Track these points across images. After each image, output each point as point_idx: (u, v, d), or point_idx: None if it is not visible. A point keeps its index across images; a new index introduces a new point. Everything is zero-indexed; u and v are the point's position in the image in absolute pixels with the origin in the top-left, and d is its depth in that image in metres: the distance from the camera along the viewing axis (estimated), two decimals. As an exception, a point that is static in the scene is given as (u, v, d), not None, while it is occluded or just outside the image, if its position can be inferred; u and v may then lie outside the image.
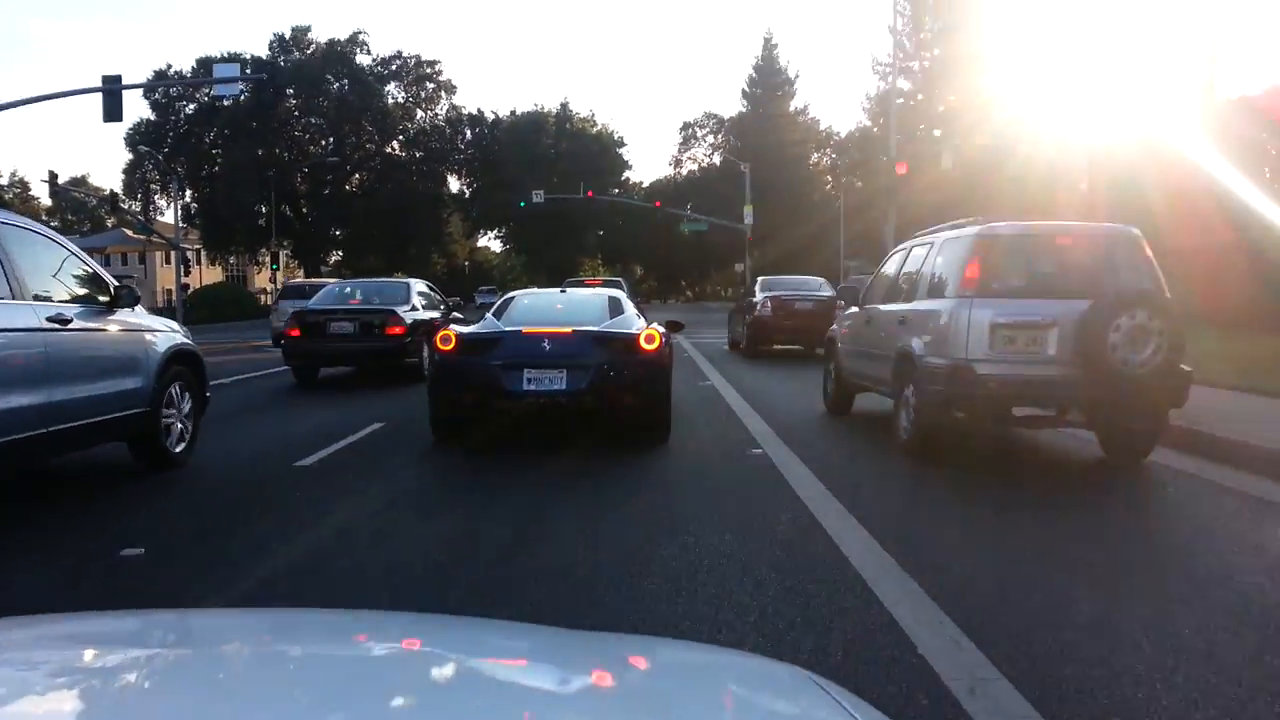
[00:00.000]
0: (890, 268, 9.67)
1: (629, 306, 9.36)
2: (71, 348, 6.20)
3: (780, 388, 13.21)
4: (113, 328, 6.80)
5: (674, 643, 2.30)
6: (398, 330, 13.69)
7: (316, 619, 1.87)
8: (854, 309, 10.21)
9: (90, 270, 6.95)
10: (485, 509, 6.02)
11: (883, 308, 9.16)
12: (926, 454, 7.58)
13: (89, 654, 1.37)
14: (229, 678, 1.29)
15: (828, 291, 18.60)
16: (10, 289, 5.74)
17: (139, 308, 7.31)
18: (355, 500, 6.31)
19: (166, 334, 7.54)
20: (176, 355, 7.49)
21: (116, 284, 7.05)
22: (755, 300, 19.14)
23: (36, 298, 6.00)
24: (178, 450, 7.47)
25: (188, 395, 7.70)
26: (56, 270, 6.48)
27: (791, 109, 77.07)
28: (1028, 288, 7.51)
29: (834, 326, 10.98)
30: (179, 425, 7.50)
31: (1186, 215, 24.93)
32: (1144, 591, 4.33)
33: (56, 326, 6.02)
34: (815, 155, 79.00)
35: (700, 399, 11.54)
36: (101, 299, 6.80)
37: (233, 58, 51.38)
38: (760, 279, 21.29)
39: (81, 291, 6.69)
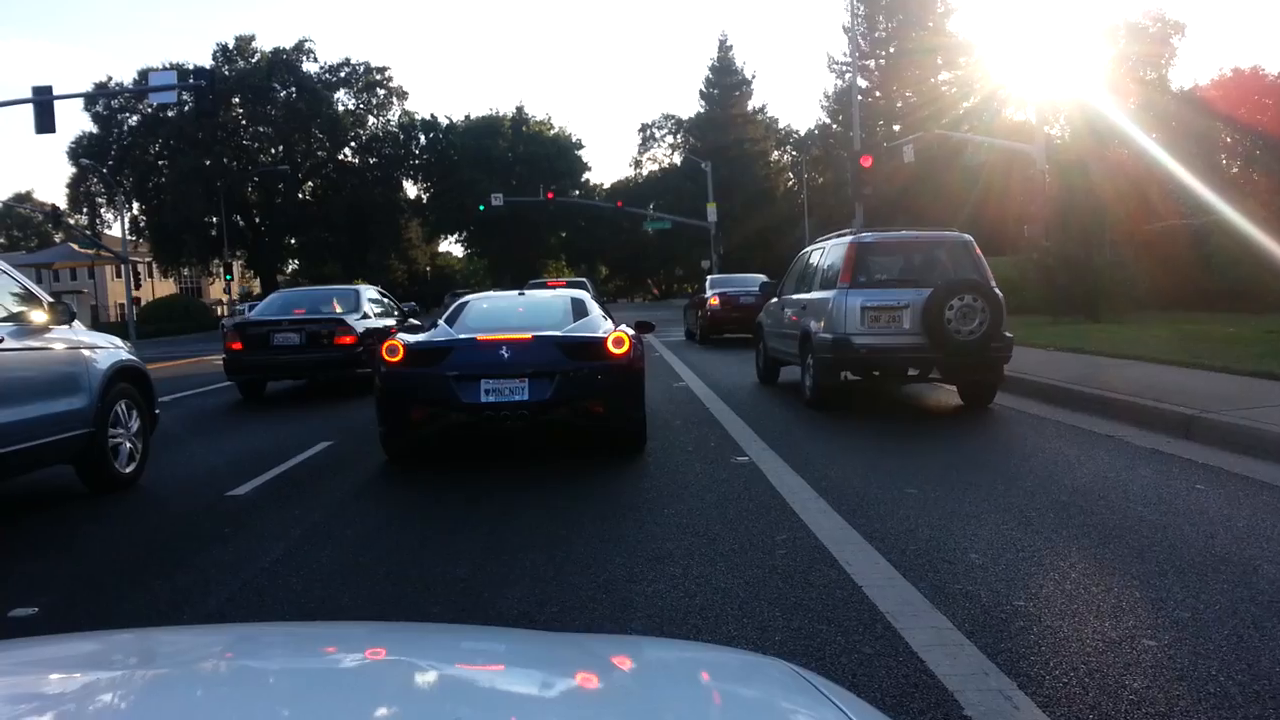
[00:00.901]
0: (796, 267, 12.24)
1: (594, 308, 8.83)
2: (5, 368, 5.93)
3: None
4: (49, 346, 6.53)
5: (656, 641, 2.35)
6: (347, 340, 13.11)
7: (283, 631, 1.89)
8: (774, 300, 12.72)
9: (21, 287, 6.65)
10: (440, 542, 5.38)
11: (791, 298, 11.76)
12: (824, 405, 10.12)
13: (59, 676, 1.32)
14: (202, 694, 1.25)
15: None
16: None
17: (76, 324, 7.01)
18: (287, 538, 5.50)
19: (109, 350, 7.26)
20: (121, 372, 7.23)
21: (51, 300, 6.79)
22: (706, 296, 22.47)
23: None
24: (127, 470, 7.24)
25: (135, 413, 7.41)
26: None
27: (750, 108, 77.33)
28: (888, 280, 10.11)
29: (761, 315, 13.39)
30: (128, 445, 7.27)
31: (1135, 202, 25.25)
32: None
33: None
34: (775, 153, 79.20)
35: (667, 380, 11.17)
36: (35, 317, 6.52)
37: (174, 68, 50.37)
38: (709, 278, 24.97)
39: (15, 309, 6.40)
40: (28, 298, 6.63)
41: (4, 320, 6.23)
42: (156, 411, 7.96)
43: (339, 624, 3.48)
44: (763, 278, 20.19)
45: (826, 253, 10.94)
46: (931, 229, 11.58)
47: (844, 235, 10.77)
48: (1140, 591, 4.08)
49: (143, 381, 7.66)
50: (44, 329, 6.54)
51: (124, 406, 7.27)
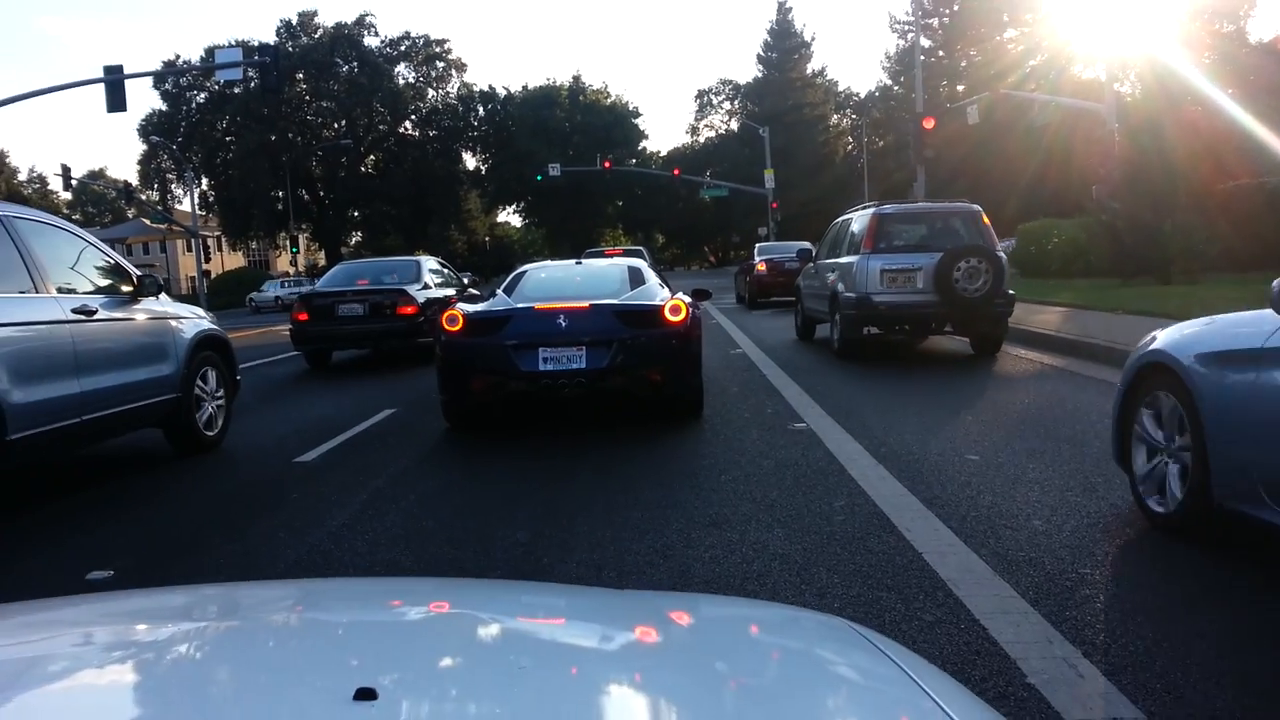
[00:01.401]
0: (829, 235, 13.68)
1: (651, 276, 8.78)
2: (98, 338, 6.34)
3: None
4: (138, 316, 6.96)
5: (713, 598, 2.28)
6: (409, 310, 13.29)
7: (351, 586, 1.94)
8: (810, 265, 14.22)
9: (112, 261, 7.10)
10: (501, 507, 5.44)
11: (824, 262, 13.14)
12: (848, 356, 11.51)
13: (140, 628, 1.36)
14: (274, 645, 1.29)
15: None
16: (34, 283, 5.90)
17: (163, 296, 7.45)
18: (351, 503, 5.61)
19: (193, 320, 7.72)
20: (204, 341, 7.67)
21: (139, 273, 7.21)
22: (754, 263, 24.36)
23: (60, 290, 6.14)
24: (211, 434, 7.65)
25: (218, 379, 7.85)
26: (78, 263, 6.61)
27: (809, 71, 76.24)
28: (904, 246, 11.50)
29: (799, 279, 15.08)
30: (211, 409, 7.69)
31: (1208, 161, 24.39)
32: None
33: (82, 318, 6.17)
34: (835, 117, 78.07)
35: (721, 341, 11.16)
36: (125, 289, 6.98)
37: (240, 45, 51.13)
38: (758, 246, 27.15)
39: (104, 282, 6.84)
40: (119, 271, 7.08)
41: (98, 293, 6.62)
42: (238, 378, 8.36)
43: (404, 579, 3.55)
44: (807, 244, 20.48)
45: (853, 222, 12.42)
46: (946, 200, 13.80)
47: (868, 207, 12.42)
48: (1208, 557, 3.99)
49: (225, 350, 8.06)
50: (134, 300, 6.96)
51: (208, 373, 7.69)
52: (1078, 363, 10.11)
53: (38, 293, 5.89)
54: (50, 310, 5.92)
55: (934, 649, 3.19)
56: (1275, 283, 3.81)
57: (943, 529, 4.55)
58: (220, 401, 7.86)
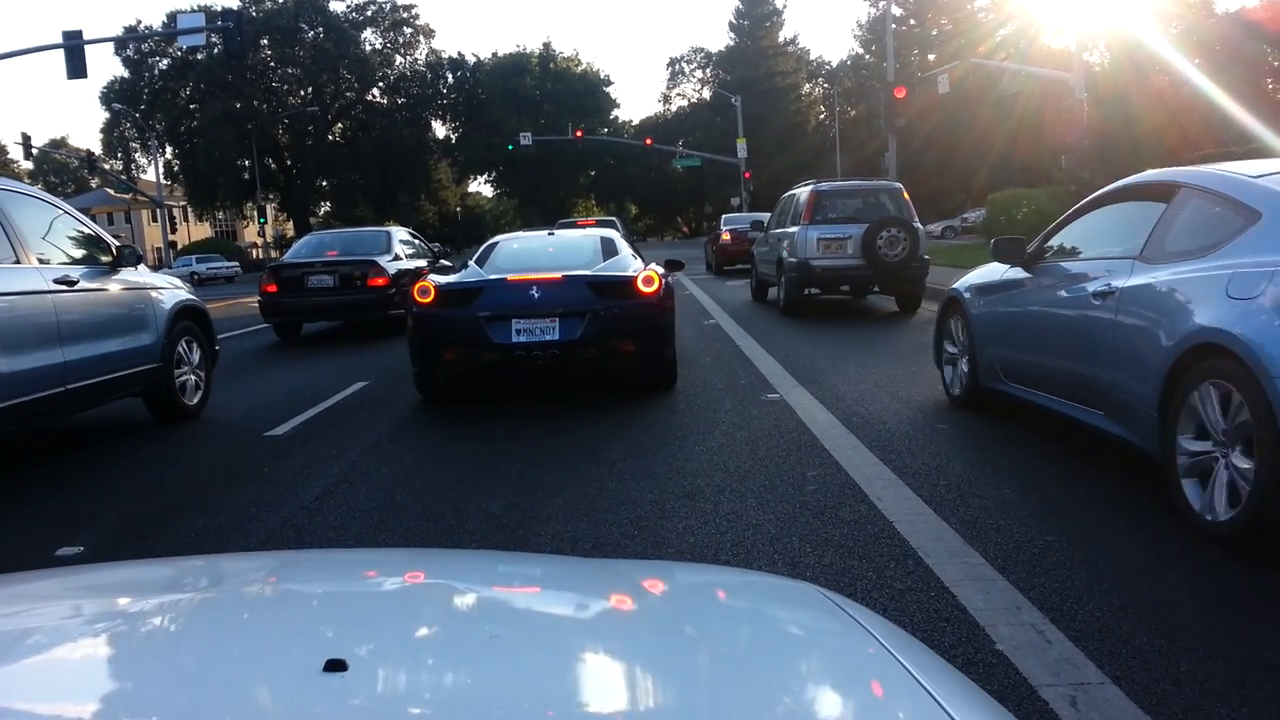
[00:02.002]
0: (777, 209, 15.73)
1: (624, 247, 8.77)
2: (80, 308, 6.45)
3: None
4: (118, 287, 7.06)
5: (688, 565, 2.31)
6: (380, 281, 13.18)
7: (325, 557, 1.96)
8: (762, 234, 16.46)
9: (91, 232, 7.19)
10: (475, 480, 5.44)
11: (773, 232, 15.15)
12: (791, 313, 13.58)
13: (107, 600, 1.37)
14: (248, 617, 1.29)
15: None
16: (15, 253, 5.96)
17: (142, 266, 7.54)
18: (324, 477, 5.59)
19: (172, 291, 7.84)
20: (184, 311, 7.80)
21: (118, 244, 7.29)
22: (720, 233, 26.58)
23: (41, 261, 6.22)
24: (192, 403, 7.82)
25: (197, 349, 7.99)
26: (58, 233, 6.70)
27: (780, 39, 75.99)
28: (837, 218, 13.44)
29: (753, 247, 17.44)
30: (191, 378, 7.85)
31: (1174, 132, 24.60)
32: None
33: (63, 288, 6.27)
34: (807, 85, 77.89)
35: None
36: (104, 259, 7.06)
37: (202, 10, 50.17)
38: (724, 217, 29.53)
39: (84, 253, 6.94)
40: (98, 242, 7.17)
41: (78, 263, 6.70)
42: (216, 348, 8.50)
43: (378, 550, 3.53)
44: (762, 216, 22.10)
45: (796, 198, 14.41)
46: (873, 178, 17.51)
47: (808, 184, 14.39)
48: (1175, 525, 4.06)
49: (203, 320, 8.19)
50: (114, 271, 7.04)
51: (187, 343, 7.81)
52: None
53: (19, 263, 5.96)
54: (33, 280, 6.02)
55: (904, 616, 3.24)
56: (993, 240, 6.33)
57: (913, 498, 4.61)
58: (200, 371, 8.00)
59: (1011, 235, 6.64)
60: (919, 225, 13.16)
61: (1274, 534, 3.52)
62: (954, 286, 6.95)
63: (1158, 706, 2.61)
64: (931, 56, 53.82)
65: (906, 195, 13.71)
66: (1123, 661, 2.87)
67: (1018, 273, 5.99)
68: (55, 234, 6.62)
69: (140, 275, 7.40)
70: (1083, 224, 5.67)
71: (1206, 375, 3.88)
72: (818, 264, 13.16)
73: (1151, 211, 4.83)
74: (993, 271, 6.39)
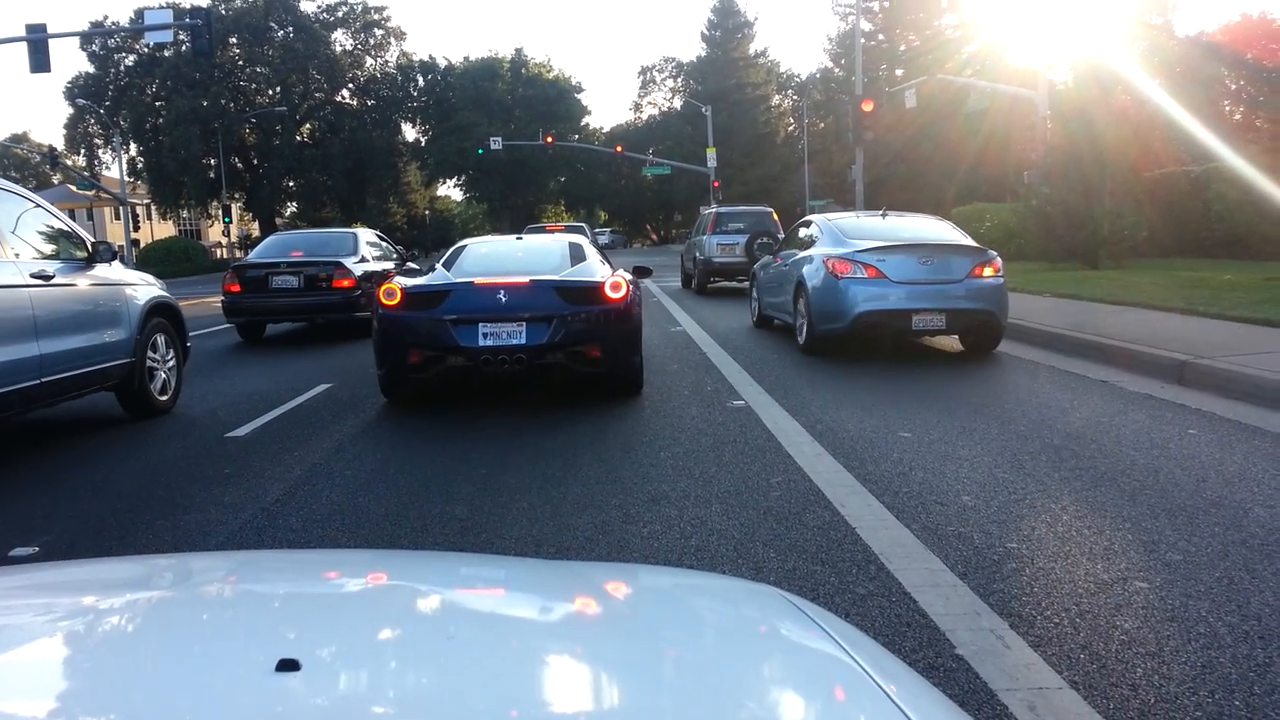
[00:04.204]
0: (698, 222, 22.74)
1: (592, 253, 8.77)
2: (56, 302, 6.54)
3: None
4: (93, 282, 7.15)
5: (651, 568, 2.35)
6: (346, 283, 13.07)
7: (286, 557, 1.95)
8: (690, 241, 23.27)
9: (66, 227, 7.27)
10: (439, 484, 5.33)
11: (693, 240, 22.10)
12: (701, 293, 19.98)
13: (61, 599, 1.35)
14: (207, 618, 1.27)
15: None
16: None
17: (116, 263, 7.60)
18: (286, 479, 5.55)
19: (145, 287, 7.95)
20: (157, 307, 7.91)
21: (93, 240, 7.38)
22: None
23: (17, 255, 6.30)
24: (163, 398, 7.89)
25: (169, 345, 8.09)
26: (34, 228, 6.77)
27: (751, 51, 76.22)
28: (730, 229, 20.06)
29: (683, 250, 24.26)
30: (163, 374, 7.92)
31: (1136, 149, 25.00)
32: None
33: (39, 283, 6.34)
34: (777, 97, 78.30)
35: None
36: (79, 255, 7.15)
37: (170, 7, 49.58)
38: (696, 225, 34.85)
39: (60, 248, 7.00)
40: (74, 238, 7.26)
41: (54, 258, 6.77)
42: (188, 345, 8.62)
43: (340, 550, 3.49)
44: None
45: (705, 216, 21.68)
46: (754, 205, 24.82)
47: (714, 208, 23.33)
48: (1132, 534, 4.12)
49: (176, 316, 8.31)
50: (89, 266, 7.13)
51: (160, 339, 7.91)
52: (1006, 343, 10.33)
53: None
54: (9, 274, 6.12)
55: (866, 621, 3.26)
56: (744, 239, 18.98)
57: (876, 504, 4.64)
58: (171, 365, 8.09)
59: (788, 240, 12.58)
60: (781, 235, 16.59)
61: (820, 346, 9.95)
62: (754, 267, 13.89)
63: (1115, 712, 2.65)
64: (899, 72, 54.29)
65: (775, 216, 21.20)
66: (1080, 667, 2.90)
67: (771, 259, 12.48)
68: (31, 229, 6.70)
69: (114, 271, 7.49)
70: (792, 235, 12.35)
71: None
72: (717, 261, 20.02)
73: (795, 231, 12.15)
74: (768, 260, 12.89)
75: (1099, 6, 31.94)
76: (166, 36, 35.91)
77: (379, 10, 68.20)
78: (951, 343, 10.65)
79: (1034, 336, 10.39)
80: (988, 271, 9.84)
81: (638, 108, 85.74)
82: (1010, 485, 4.94)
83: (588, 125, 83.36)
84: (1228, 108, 39.25)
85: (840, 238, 10.40)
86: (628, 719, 0.98)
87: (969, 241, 10.55)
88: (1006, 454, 5.61)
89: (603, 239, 74.32)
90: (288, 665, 0.95)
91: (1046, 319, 10.98)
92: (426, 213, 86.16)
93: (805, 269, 10.42)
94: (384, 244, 15.68)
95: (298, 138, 66.96)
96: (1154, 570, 3.70)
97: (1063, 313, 11.60)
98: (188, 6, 55.13)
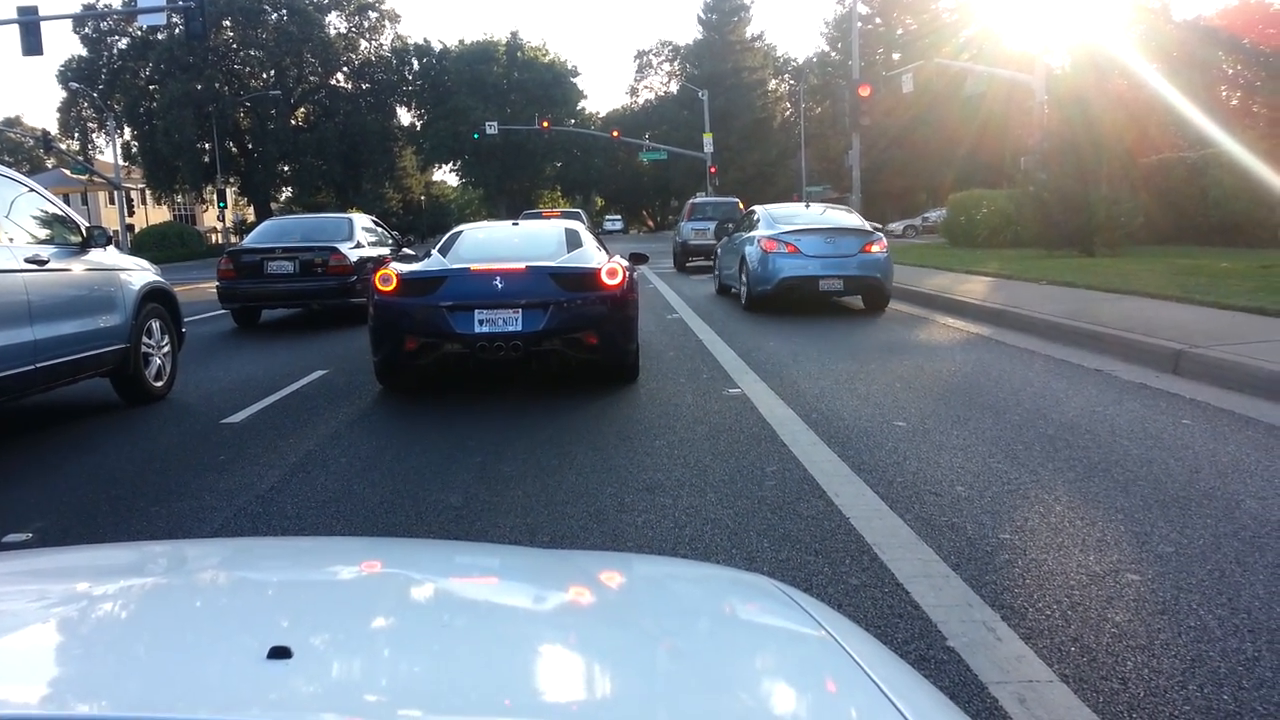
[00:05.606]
0: (683, 209, 27.61)
1: (589, 239, 8.76)
2: (51, 287, 6.54)
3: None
4: (88, 267, 7.15)
5: (645, 557, 2.40)
6: (341, 268, 13.05)
7: (281, 544, 1.92)
8: (677, 226, 28.07)
9: (61, 212, 7.26)
10: (434, 471, 5.33)
11: (679, 225, 27.35)
12: (680, 270, 23.72)
13: (54, 586, 1.34)
14: (201, 605, 1.27)
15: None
16: None
17: (110, 248, 7.59)
18: (281, 466, 5.56)
19: (140, 272, 7.93)
20: (152, 293, 7.90)
21: (88, 225, 7.38)
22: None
23: (12, 240, 6.29)
24: (158, 384, 7.89)
25: (164, 331, 8.08)
26: (29, 213, 6.75)
27: (748, 35, 75.98)
28: (703, 216, 24.49)
29: (673, 234, 28.71)
30: (158, 360, 7.92)
31: (1133, 134, 24.96)
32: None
33: (34, 267, 6.34)
34: (773, 82, 78.06)
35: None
36: (74, 239, 7.13)
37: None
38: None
39: (54, 233, 6.99)
40: (69, 223, 7.25)
41: (48, 243, 6.77)
42: (183, 330, 8.62)
43: (335, 538, 3.49)
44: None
45: (687, 205, 26.37)
46: (722, 196, 30.73)
47: (696, 198, 29.23)
48: (1124, 525, 4.14)
49: (171, 302, 8.30)
50: (83, 251, 7.13)
51: (155, 325, 7.91)
52: (1001, 331, 10.35)
53: None
54: (3, 259, 6.11)
55: (858, 611, 3.27)
56: (714, 224, 19.59)
57: (870, 494, 4.65)
58: (166, 351, 8.10)
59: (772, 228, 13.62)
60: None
61: (755, 305, 13.15)
62: (716, 246, 16.95)
63: (1105, 705, 2.66)
64: (897, 56, 54.17)
65: (742, 206, 23.56)
66: (1071, 660, 2.92)
67: (728, 239, 15.08)
68: (26, 213, 6.69)
69: (109, 256, 7.50)
70: (743, 221, 15.28)
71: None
72: (692, 243, 23.94)
73: (746, 218, 15.55)
74: (725, 240, 15.77)
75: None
76: (160, 19, 35.80)
77: (374, -7, 67.83)
78: (944, 332, 10.65)
79: (1028, 324, 10.39)
80: (875, 248, 12.87)
81: (634, 92, 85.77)
82: (1004, 475, 4.95)
83: (584, 110, 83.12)
84: (1225, 93, 39.19)
85: (772, 223, 13.66)
86: (621, 707, 0.99)
87: (864, 225, 13.70)
88: (1000, 444, 5.62)
89: (615, 225, 74.18)
90: (280, 653, 0.95)
91: (1041, 307, 10.98)
92: (422, 198, 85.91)
93: (747, 248, 13.59)
94: (379, 229, 15.63)
95: (292, 122, 66.70)
96: (1146, 562, 3.71)
97: (1057, 300, 11.60)
98: (182, -11, 54.66)
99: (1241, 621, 3.16)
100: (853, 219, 14.30)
